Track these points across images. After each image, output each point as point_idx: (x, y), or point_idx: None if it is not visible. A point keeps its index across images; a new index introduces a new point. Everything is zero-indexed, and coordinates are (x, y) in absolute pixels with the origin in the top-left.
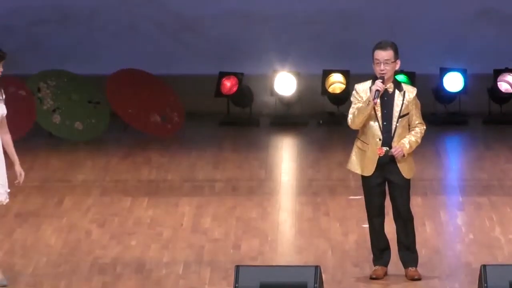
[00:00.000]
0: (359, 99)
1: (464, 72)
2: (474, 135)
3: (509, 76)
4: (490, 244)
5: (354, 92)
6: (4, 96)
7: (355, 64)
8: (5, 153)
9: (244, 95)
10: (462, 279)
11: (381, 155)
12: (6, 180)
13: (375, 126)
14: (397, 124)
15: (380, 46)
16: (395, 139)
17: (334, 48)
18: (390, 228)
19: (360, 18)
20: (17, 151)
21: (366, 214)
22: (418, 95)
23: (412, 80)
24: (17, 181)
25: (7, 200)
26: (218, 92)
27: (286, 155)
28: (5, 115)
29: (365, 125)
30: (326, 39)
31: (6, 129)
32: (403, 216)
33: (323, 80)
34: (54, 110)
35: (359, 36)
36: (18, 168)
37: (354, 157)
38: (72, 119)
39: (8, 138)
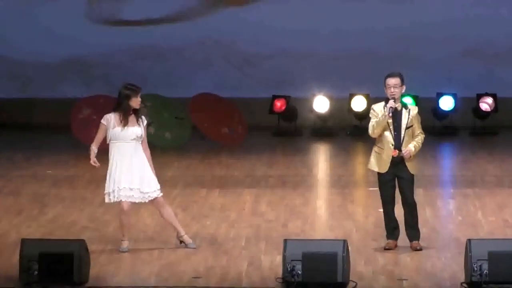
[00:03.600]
0: (376, 115)
1: (454, 96)
2: (462, 143)
3: (488, 98)
4: (474, 224)
5: (371, 110)
6: (145, 122)
7: (373, 89)
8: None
9: (291, 113)
10: (453, 250)
11: (395, 156)
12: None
13: (388, 135)
14: (405, 134)
15: (390, 74)
16: (403, 145)
17: (358, 77)
18: (399, 212)
19: (377, 55)
20: None
21: (381, 202)
22: (419, 112)
23: (416, 101)
24: None
25: (159, 195)
26: (271, 111)
27: (322, 157)
28: (140, 135)
29: (381, 134)
30: (351, 71)
31: (146, 146)
32: (409, 202)
33: (349, 101)
34: (149, 124)
35: (376, 69)
36: None
37: (372, 159)
38: (163, 130)
39: (148, 153)
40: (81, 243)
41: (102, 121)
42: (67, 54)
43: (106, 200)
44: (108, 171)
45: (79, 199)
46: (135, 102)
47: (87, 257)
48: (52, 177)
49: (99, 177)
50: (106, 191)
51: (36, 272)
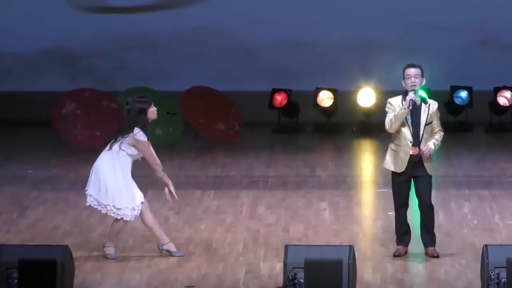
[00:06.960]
0: (393, 109)
1: (469, 89)
2: (478, 140)
3: (506, 92)
4: (490, 228)
5: (388, 104)
6: None
7: (382, 81)
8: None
9: (292, 108)
10: (468, 257)
11: (415, 153)
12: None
13: (406, 132)
14: (424, 131)
15: (411, 64)
16: (422, 142)
17: (365, 69)
18: (410, 215)
19: (385, 46)
20: None
21: (390, 204)
22: None
23: (429, 95)
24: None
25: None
26: (271, 105)
27: (326, 156)
28: None
29: (398, 131)
30: (358, 62)
31: None
32: (427, 205)
33: (356, 94)
34: None
35: (385, 59)
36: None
37: (388, 157)
38: (153, 127)
39: None
40: (65, 249)
41: (144, 139)
42: (48, 44)
43: (131, 218)
44: (128, 184)
45: (62, 201)
46: (152, 113)
47: (71, 264)
48: (32, 177)
49: (83, 178)
50: (131, 206)
51: (16, 281)
